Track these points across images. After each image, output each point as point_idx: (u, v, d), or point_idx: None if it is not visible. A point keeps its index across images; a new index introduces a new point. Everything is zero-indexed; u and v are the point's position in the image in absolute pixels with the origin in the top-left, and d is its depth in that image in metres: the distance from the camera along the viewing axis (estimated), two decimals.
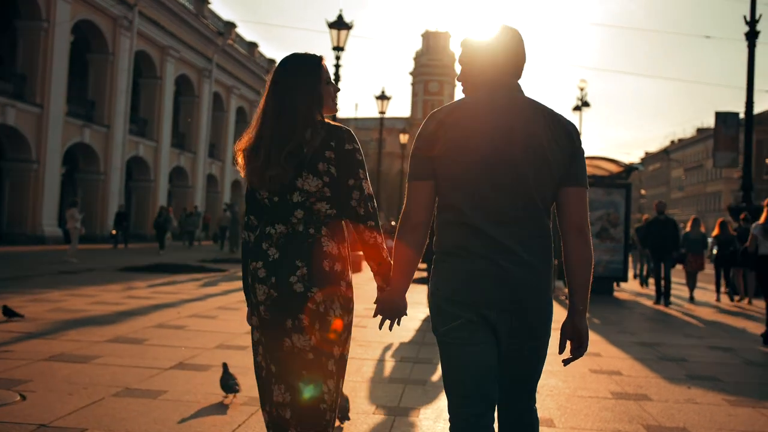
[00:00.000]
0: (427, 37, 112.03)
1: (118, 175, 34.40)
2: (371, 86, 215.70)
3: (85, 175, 33.63)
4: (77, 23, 31.02)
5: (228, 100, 48.91)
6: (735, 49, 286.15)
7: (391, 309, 2.83)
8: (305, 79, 3.02)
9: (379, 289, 3.05)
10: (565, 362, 2.76)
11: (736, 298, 16.52)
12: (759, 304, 15.26)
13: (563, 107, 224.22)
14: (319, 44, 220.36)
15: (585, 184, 2.72)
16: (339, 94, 3.21)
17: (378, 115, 41.67)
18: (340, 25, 21.93)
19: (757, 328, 10.99)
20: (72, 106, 31.32)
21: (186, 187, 43.77)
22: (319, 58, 3.08)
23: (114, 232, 29.23)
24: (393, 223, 35.45)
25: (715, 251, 17.10)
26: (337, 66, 22.26)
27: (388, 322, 2.90)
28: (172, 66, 39.97)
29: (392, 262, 2.83)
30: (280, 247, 2.95)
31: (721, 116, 22.47)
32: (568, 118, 2.74)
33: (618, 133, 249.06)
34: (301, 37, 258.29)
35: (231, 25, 47.09)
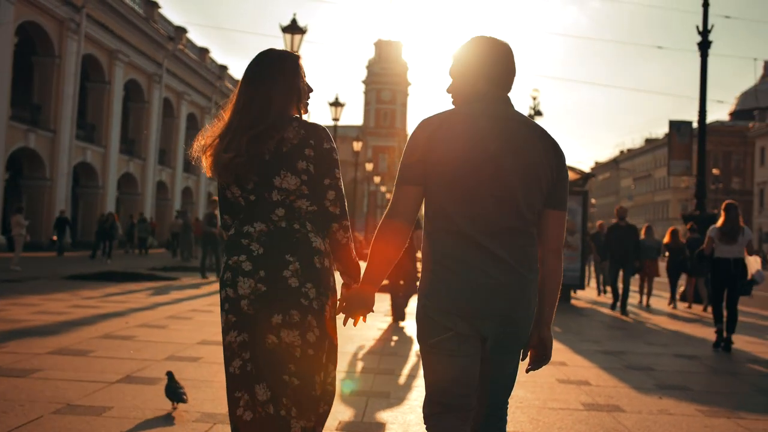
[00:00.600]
0: (379, 45, 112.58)
1: (64, 181, 33.42)
2: (322, 94, 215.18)
3: (29, 181, 32.61)
4: (22, 24, 30.15)
5: (178, 106, 48.12)
6: (685, 59, 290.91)
7: (359, 304, 2.80)
8: (283, 72, 3.00)
9: (345, 286, 3.08)
10: (528, 370, 2.85)
11: (685, 304, 16.68)
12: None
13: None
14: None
15: (566, 208, 2.80)
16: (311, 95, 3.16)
17: (330, 123, 41.34)
18: (293, 29, 21.56)
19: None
20: (16, 109, 30.36)
21: (135, 194, 42.88)
22: (298, 56, 3.07)
23: (54, 238, 28.27)
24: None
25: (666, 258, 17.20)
26: None
27: (351, 320, 2.88)
28: (121, 70, 39.14)
29: (369, 258, 2.77)
30: (264, 243, 2.91)
31: (674, 125, 22.58)
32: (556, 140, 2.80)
33: (569, 143, 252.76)
34: (253, 41, 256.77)
35: (182, 30, 46.38)
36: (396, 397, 5.99)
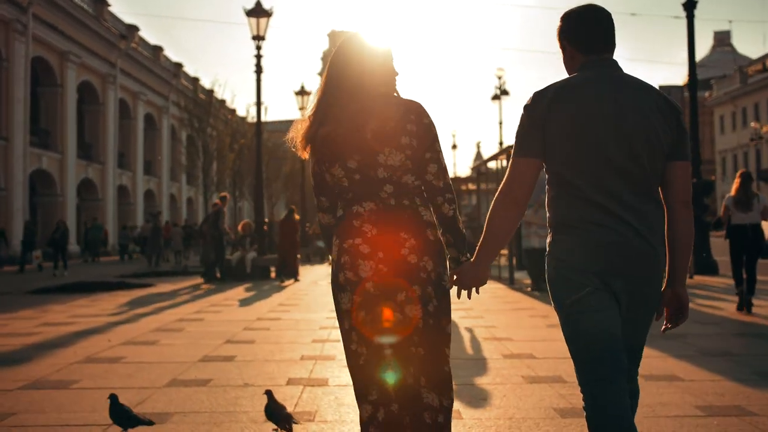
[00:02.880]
0: (333, 36, 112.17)
1: (20, 189, 31.74)
2: (278, 88, 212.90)
3: None
4: None
5: (135, 107, 46.49)
6: (663, 26, 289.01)
7: (474, 278, 2.87)
8: (373, 54, 3.03)
9: (454, 260, 3.06)
10: (665, 330, 2.87)
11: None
12: (699, 278, 15.80)
13: (485, 95, 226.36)
14: (229, 46, 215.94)
15: (690, 159, 2.81)
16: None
17: (287, 117, 40.17)
18: (258, 12, 20.31)
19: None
20: None
21: (96, 200, 41.29)
22: (387, 42, 3.10)
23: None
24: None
25: None
26: (258, 57, 20.64)
27: (465, 292, 2.94)
28: (74, 72, 37.48)
29: (486, 234, 2.80)
30: (375, 222, 2.94)
31: (664, 90, 21.74)
32: (670, 96, 2.86)
33: None
34: (208, 37, 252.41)
35: (134, 28, 44.66)
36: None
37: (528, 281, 14.57)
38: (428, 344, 2.95)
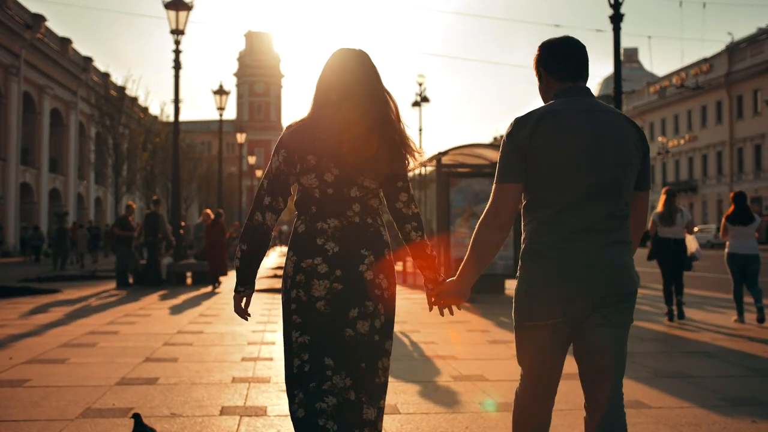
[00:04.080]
0: (250, 37, 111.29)
1: None
2: (193, 87, 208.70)
3: None
4: None
5: (41, 101, 44.56)
6: (583, 38, 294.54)
7: (457, 294, 2.97)
8: (363, 71, 3.06)
9: (431, 281, 3.14)
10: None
11: None
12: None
13: (404, 101, 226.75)
14: (143, 41, 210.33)
15: (649, 187, 3.00)
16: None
17: (201, 118, 39.14)
18: (178, 5, 19.44)
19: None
20: None
21: None
22: (366, 53, 3.12)
23: None
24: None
25: None
26: (177, 52, 19.76)
27: (446, 310, 3.08)
28: None
29: (469, 255, 2.90)
30: (338, 240, 2.97)
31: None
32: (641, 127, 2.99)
33: (471, 127, 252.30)
34: (122, 29, 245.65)
35: (40, 18, 42.67)
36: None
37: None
38: (369, 359, 2.99)
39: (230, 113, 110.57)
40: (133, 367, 6.76)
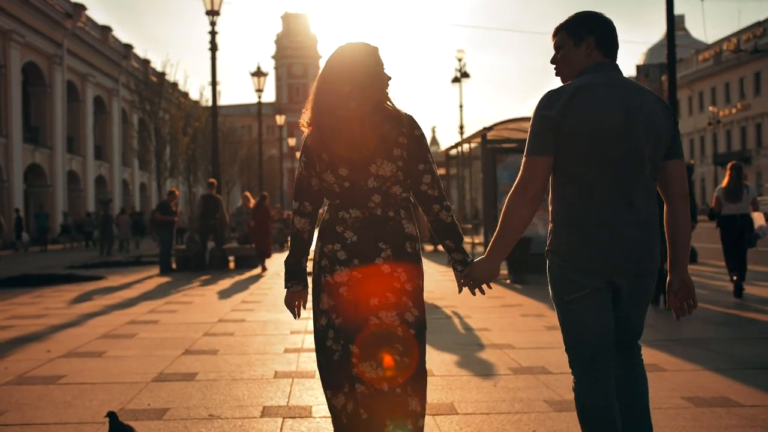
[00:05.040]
0: (287, 18, 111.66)
1: None
2: (232, 71, 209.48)
3: None
4: None
5: (84, 90, 44.75)
6: (627, 5, 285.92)
7: (488, 273, 2.99)
8: (367, 66, 3.04)
9: (460, 262, 3.13)
10: (679, 317, 2.98)
11: None
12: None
13: (441, 78, 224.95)
14: (182, 27, 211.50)
15: (683, 156, 3.01)
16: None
17: (240, 102, 39.03)
18: None
19: None
20: None
21: (44, 186, 39.61)
22: (376, 48, 3.11)
23: None
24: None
25: None
26: (213, 33, 19.44)
27: (477, 289, 3.07)
28: (17, 53, 35.80)
29: (499, 230, 2.92)
30: (357, 230, 3.03)
31: (642, 69, 21.10)
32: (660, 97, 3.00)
33: (511, 103, 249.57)
34: (160, 19, 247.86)
35: (80, 7, 42.69)
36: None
37: (504, 271, 13.70)
38: (413, 355, 2.99)
39: (269, 96, 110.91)
40: (172, 361, 6.42)
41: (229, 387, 5.46)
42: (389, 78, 3.10)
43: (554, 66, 3.05)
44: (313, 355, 6.47)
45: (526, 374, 5.70)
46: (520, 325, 8.28)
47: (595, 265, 2.78)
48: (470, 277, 3.03)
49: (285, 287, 3.22)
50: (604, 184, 2.78)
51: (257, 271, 16.99)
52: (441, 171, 26.22)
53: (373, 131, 2.97)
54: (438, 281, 13.34)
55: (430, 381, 4.20)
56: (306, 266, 3.24)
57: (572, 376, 2.94)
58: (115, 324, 8.85)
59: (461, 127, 41.03)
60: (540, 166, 2.81)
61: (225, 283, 14.30)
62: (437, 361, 6.16)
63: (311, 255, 3.18)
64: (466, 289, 3.12)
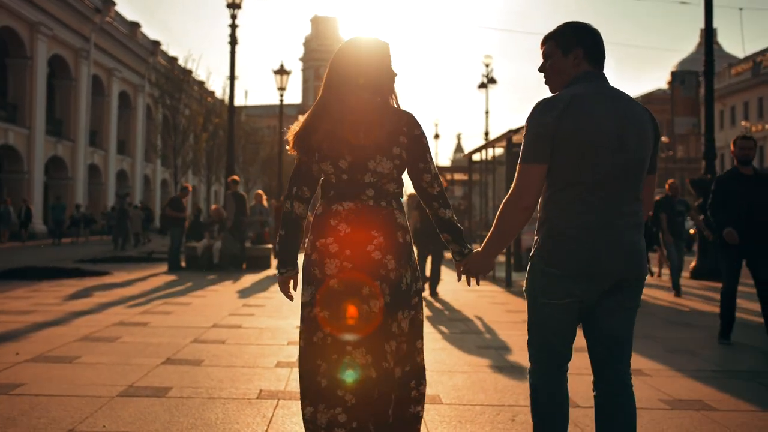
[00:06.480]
0: (316, 21, 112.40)
1: None
2: (258, 73, 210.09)
3: None
4: None
5: (109, 84, 44.66)
6: (665, 13, 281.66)
7: (482, 266, 3.11)
8: (379, 60, 3.11)
9: (459, 253, 3.23)
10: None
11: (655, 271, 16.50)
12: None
13: (467, 84, 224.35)
14: (210, 27, 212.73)
15: (656, 171, 3.10)
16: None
17: (267, 102, 38.55)
18: None
19: None
20: None
21: (65, 179, 39.49)
22: (386, 43, 3.16)
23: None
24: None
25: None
26: (233, 27, 18.94)
27: (473, 279, 3.18)
28: (44, 45, 35.64)
29: (493, 232, 2.97)
30: (350, 221, 3.07)
31: (678, 76, 20.30)
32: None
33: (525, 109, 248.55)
34: (189, 18, 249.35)
35: (109, 2, 42.57)
36: None
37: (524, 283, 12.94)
38: (392, 338, 3.05)
39: (295, 98, 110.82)
40: (147, 372, 5.79)
41: (202, 408, 4.78)
42: (396, 74, 3.18)
43: (543, 75, 3.09)
44: None
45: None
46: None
47: (580, 271, 2.83)
48: (466, 267, 3.16)
49: (279, 273, 3.28)
50: (597, 190, 2.82)
51: (271, 272, 16.37)
52: (464, 176, 25.53)
53: (378, 123, 3.02)
54: (456, 290, 12.64)
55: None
56: (298, 251, 3.31)
57: (529, 362, 3.09)
58: (102, 325, 8.24)
59: (486, 134, 40.41)
60: (535, 174, 2.86)
61: (232, 284, 13.68)
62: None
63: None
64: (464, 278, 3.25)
